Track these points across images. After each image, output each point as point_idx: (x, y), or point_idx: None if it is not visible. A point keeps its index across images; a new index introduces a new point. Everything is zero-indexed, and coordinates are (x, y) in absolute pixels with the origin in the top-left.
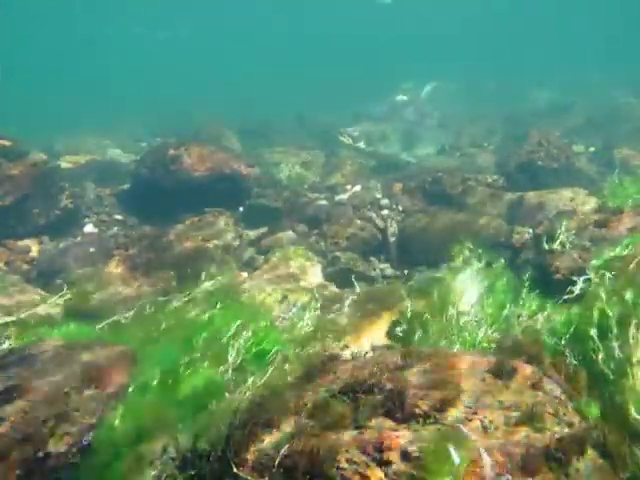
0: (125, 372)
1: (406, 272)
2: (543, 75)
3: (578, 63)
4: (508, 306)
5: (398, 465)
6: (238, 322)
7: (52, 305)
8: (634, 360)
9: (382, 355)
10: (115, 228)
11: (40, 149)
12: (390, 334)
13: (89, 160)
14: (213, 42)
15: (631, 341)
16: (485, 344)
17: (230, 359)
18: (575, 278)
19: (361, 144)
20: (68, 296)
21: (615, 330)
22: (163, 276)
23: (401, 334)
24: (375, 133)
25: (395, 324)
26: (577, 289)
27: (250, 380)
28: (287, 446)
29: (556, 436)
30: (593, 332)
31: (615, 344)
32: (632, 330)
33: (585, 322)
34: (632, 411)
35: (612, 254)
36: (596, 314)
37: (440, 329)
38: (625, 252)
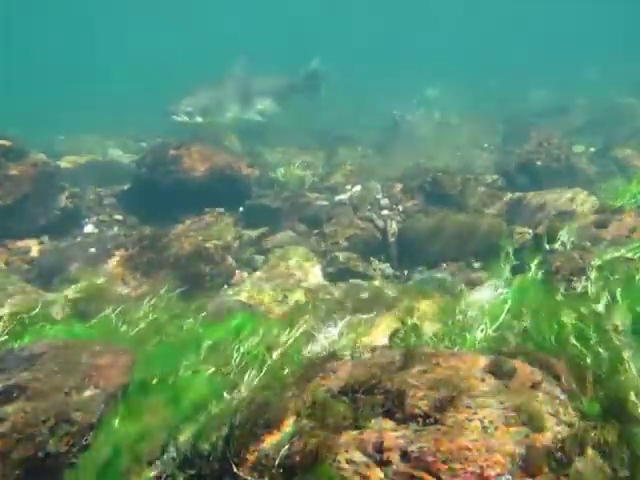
0: (125, 372)
1: (406, 272)
2: (542, 75)
3: (577, 63)
4: (507, 306)
5: (398, 465)
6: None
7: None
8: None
9: (382, 355)
10: (115, 228)
11: (40, 149)
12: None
13: (89, 160)
14: (213, 41)
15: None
16: (485, 344)
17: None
18: (575, 278)
19: None
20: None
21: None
22: (163, 276)
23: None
24: None
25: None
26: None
27: (250, 380)
28: (287, 446)
29: (557, 436)
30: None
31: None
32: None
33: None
34: (632, 395)
35: (615, 254)
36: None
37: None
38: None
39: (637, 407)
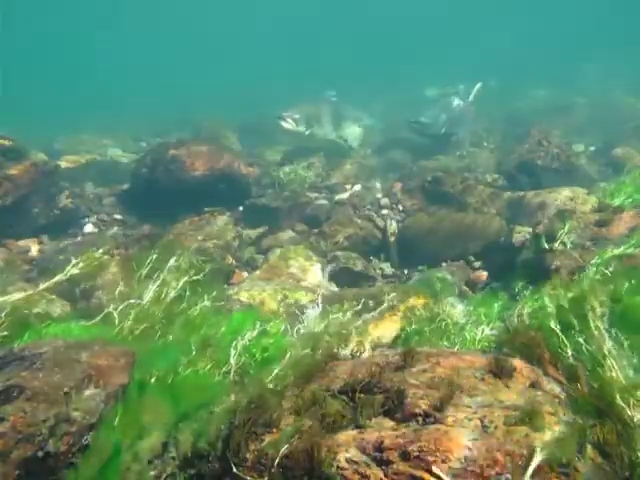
0: (125, 372)
1: (406, 272)
2: (542, 74)
3: (577, 62)
4: (500, 304)
5: (398, 465)
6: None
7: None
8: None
9: (382, 355)
10: (115, 228)
11: (40, 149)
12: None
13: (89, 160)
14: (213, 40)
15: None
16: (485, 343)
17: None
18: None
19: None
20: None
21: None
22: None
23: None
24: None
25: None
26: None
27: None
28: (287, 446)
29: (556, 435)
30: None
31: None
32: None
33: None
34: (617, 398)
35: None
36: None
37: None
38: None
39: (625, 410)
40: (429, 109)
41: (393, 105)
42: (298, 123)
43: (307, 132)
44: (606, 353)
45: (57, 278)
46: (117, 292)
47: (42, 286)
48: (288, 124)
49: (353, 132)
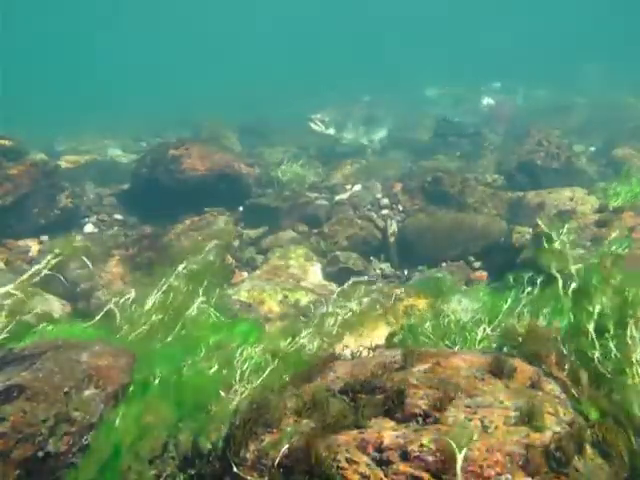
0: (125, 372)
1: (406, 272)
2: (542, 74)
3: (577, 62)
4: (507, 304)
5: (398, 465)
6: None
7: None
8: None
9: (382, 355)
10: (115, 228)
11: (40, 149)
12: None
13: (89, 160)
14: (213, 40)
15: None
16: (486, 343)
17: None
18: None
19: None
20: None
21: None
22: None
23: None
24: None
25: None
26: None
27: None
28: (287, 446)
29: (556, 436)
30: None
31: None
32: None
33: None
34: (636, 409)
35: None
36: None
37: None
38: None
39: None
40: (458, 108)
41: (393, 105)
42: (327, 126)
43: (337, 135)
44: (634, 360)
45: (34, 269)
46: (116, 292)
47: (23, 277)
48: (317, 126)
49: (378, 136)
